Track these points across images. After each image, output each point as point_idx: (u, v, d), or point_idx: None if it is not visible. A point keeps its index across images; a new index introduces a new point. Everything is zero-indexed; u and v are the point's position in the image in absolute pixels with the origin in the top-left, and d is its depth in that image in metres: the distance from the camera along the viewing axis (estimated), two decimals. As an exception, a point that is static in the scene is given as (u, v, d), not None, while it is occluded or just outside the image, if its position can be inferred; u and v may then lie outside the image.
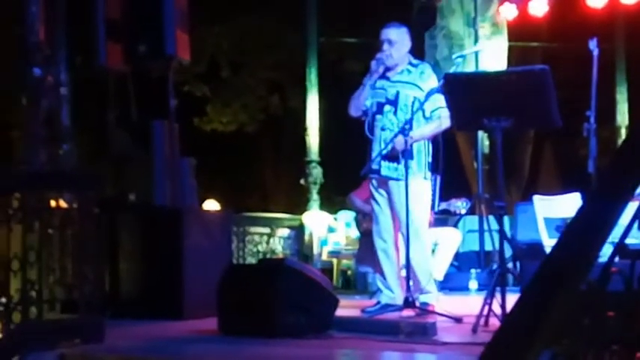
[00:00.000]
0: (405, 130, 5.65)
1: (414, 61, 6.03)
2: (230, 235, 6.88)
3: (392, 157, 5.81)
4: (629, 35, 11.64)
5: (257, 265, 6.18)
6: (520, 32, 11.54)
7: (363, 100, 6.00)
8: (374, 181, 6.01)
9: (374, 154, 5.92)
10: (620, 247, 2.88)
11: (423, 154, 5.89)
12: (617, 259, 2.97)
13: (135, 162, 6.51)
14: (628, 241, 3.25)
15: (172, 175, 6.31)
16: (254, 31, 15.90)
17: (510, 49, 12.35)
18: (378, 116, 5.95)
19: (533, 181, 15.89)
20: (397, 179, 5.81)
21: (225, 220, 6.73)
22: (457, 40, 10.39)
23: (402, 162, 5.71)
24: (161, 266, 5.98)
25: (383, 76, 5.98)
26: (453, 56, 5.68)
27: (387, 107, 5.92)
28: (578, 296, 2.61)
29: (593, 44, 6.23)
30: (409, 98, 5.86)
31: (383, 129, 5.90)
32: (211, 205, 15.74)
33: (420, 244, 5.81)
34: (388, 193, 5.92)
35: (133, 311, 5.88)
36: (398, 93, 5.90)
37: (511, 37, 11.84)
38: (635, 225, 3.06)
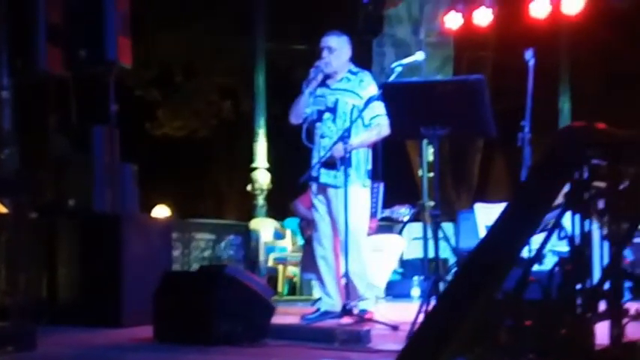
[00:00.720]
0: (343, 137, 5.67)
1: (354, 69, 6.06)
2: (170, 242, 6.83)
3: (331, 164, 5.83)
4: (572, 45, 11.82)
5: (195, 273, 6.16)
6: (469, 41, 11.65)
7: (302, 108, 6.01)
8: (314, 188, 6.04)
9: (314, 162, 5.94)
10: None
11: (362, 161, 5.93)
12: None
13: (75, 167, 6.46)
14: (553, 247, 3.30)
15: (113, 181, 6.26)
16: (207, 36, 15.85)
17: (461, 58, 12.50)
18: (318, 124, 5.98)
19: (484, 189, 16.03)
20: (335, 186, 5.84)
21: (166, 226, 6.70)
22: (404, 48, 10.48)
23: (341, 169, 5.74)
24: (100, 273, 5.94)
25: (323, 84, 5.99)
26: (393, 65, 5.70)
27: (326, 115, 5.95)
28: (493, 304, 2.65)
29: (529, 54, 6.31)
30: (348, 106, 5.89)
31: (322, 136, 5.93)
32: (161, 211, 15.66)
33: (357, 252, 5.83)
34: (327, 200, 5.94)
35: (71, 318, 5.85)
36: (337, 101, 5.92)
37: (461, 46, 11.97)
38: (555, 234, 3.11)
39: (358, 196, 5.87)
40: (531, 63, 6.29)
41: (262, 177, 11.06)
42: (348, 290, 5.67)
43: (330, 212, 5.93)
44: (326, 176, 5.88)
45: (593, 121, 3.29)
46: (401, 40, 10.83)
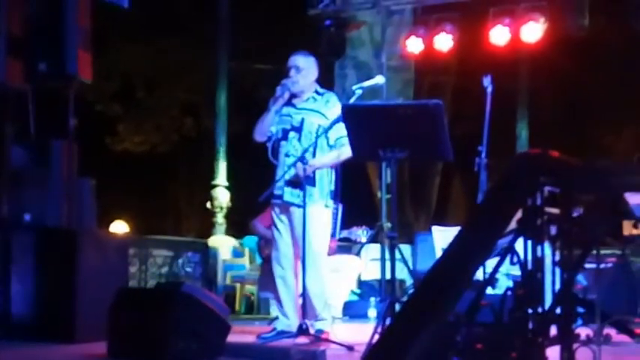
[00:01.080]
0: (303, 157, 5.70)
1: (320, 90, 6.09)
2: (127, 258, 6.79)
3: (295, 183, 5.83)
4: (531, 72, 12.00)
5: (150, 290, 6.13)
6: (430, 66, 11.77)
7: (268, 126, 6.01)
8: (276, 207, 6.01)
9: (277, 180, 5.94)
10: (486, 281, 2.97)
11: (325, 181, 5.93)
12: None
13: (31, 181, 6.39)
14: (508, 271, 3.36)
15: (70, 196, 6.22)
16: (169, 52, 15.85)
17: (421, 83, 12.61)
18: (283, 142, 5.97)
19: (444, 212, 16.16)
20: (298, 205, 5.83)
21: (123, 242, 6.66)
22: (366, 70, 10.56)
23: (305, 189, 5.75)
24: (54, 288, 5.88)
25: (289, 103, 6.00)
26: (353, 87, 5.74)
27: (291, 134, 5.95)
28: (446, 326, 2.68)
29: (487, 81, 6.40)
30: (314, 126, 5.89)
31: (287, 155, 5.91)
32: (119, 226, 15.55)
33: (317, 272, 5.84)
34: (289, 219, 5.93)
35: (25, 334, 5.77)
36: (303, 120, 5.93)
37: (421, 71, 12.09)
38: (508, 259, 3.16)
39: (320, 216, 5.88)
40: (489, 89, 6.38)
41: (222, 195, 11.04)
42: (305, 310, 5.67)
43: (291, 231, 5.93)
44: (289, 195, 5.87)
45: (549, 148, 3.35)
46: (363, 62, 10.91)
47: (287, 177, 5.82)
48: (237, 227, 12.10)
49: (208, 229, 11.64)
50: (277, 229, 6.01)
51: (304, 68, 6.00)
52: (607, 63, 13.18)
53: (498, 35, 9.47)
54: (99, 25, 6.70)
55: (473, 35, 9.82)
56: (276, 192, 5.94)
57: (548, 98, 13.93)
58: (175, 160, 19.00)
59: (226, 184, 11.14)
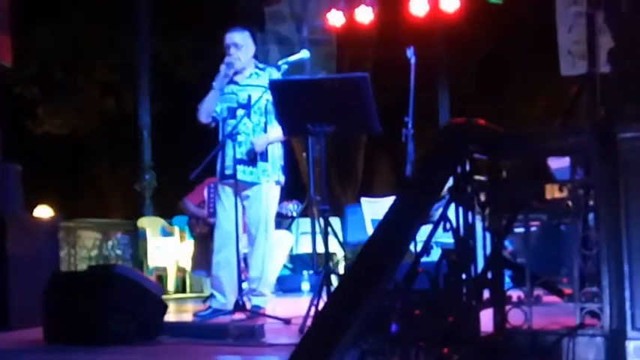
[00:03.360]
0: (234, 134, 5.69)
1: (261, 65, 6.05)
2: (57, 242, 6.72)
3: (246, 160, 5.81)
4: (449, 42, 12.17)
5: (84, 272, 6.09)
6: (351, 39, 11.83)
7: (213, 106, 5.95)
8: (225, 187, 5.91)
9: (227, 159, 5.86)
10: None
11: (276, 156, 5.94)
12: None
13: (-45, 168, 6.26)
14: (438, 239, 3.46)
15: (-5, 181, 6.12)
16: (87, 31, 15.56)
17: (343, 56, 12.68)
18: (231, 121, 5.89)
19: (370, 184, 16.30)
20: (252, 183, 5.83)
21: (52, 226, 6.58)
22: (288, 45, 10.58)
23: (258, 165, 5.77)
24: (-16, 276, 5.78)
25: (231, 81, 5.96)
26: (279, 62, 5.76)
27: (239, 111, 5.89)
28: (385, 295, 2.76)
29: (410, 52, 6.50)
30: (262, 101, 5.85)
31: (238, 133, 5.84)
32: (43, 211, 15.28)
33: (263, 248, 5.87)
34: (241, 197, 5.85)
35: (-45, 323, 5.68)
36: (250, 96, 5.88)
37: (343, 44, 12.16)
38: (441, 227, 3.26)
39: (272, 192, 5.91)
40: (413, 60, 6.47)
41: (148, 175, 10.97)
42: (241, 286, 5.70)
43: (243, 208, 5.85)
44: (242, 173, 5.78)
45: (467, 116, 3.45)
46: (284, 37, 10.93)
47: (239, 155, 5.76)
48: (165, 207, 12.05)
49: (133, 211, 11.56)
50: (224, 207, 5.92)
51: (243, 45, 5.98)
52: (520, 32, 13.45)
53: (418, 6, 9.61)
54: (13, 6, 6.54)
55: (393, 7, 9.93)
56: (227, 172, 5.86)
57: (465, 67, 14.15)
58: (97, 142, 18.72)
59: (152, 164, 11.06)
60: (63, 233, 9.15)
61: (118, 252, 10.23)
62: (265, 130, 5.86)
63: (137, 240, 10.31)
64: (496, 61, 14.66)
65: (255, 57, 6.15)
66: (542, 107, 15.01)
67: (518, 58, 14.21)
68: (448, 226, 3.21)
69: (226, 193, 5.92)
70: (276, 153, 5.94)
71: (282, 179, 6.02)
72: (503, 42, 13.86)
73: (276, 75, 5.87)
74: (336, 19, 10.11)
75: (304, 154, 12.46)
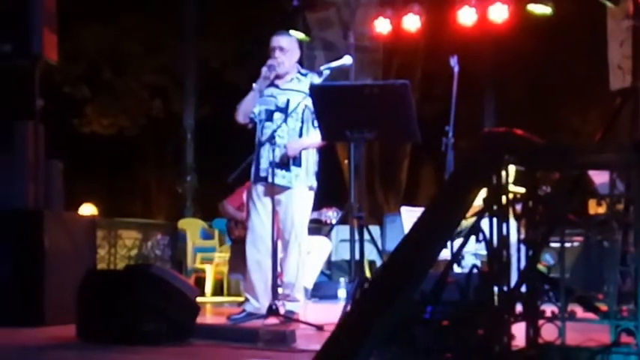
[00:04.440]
0: (273, 137, 5.66)
1: (303, 71, 6.05)
2: (95, 240, 6.76)
3: (280, 164, 5.78)
4: (497, 53, 12.06)
5: (119, 272, 6.12)
6: (399, 47, 11.80)
7: (251, 107, 5.94)
8: (259, 189, 5.91)
9: (262, 161, 5.86)
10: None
11: (310, 162, 5.90)
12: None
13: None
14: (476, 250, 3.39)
15: (36, 178, 6.17)
16: (136, 33, 15.72)
17: (390, 64, 12.64)
18: (268, 123, 5.89)
19: (414, 193, 16.23)
20: (285, 187, 5.82)
21: (91, 224, 6.62)
22: (334, 51, 10.56)
23: (291, 170, 5.75)
24: (21, 271, 5.83)
25: (272, 84, 5.95)
26: (321, 67, 5.73)
27: (276, 115, 5.88)
28: (411, 304, 2.71)
29: (454, 61, 6.43)
30: (300, 106, 5.84)
31: (275, 137, 5.81)
32: (88, 209, 15.46)
33: (296, 253, 5.85)
34: (273, 201, 5.79)
35: (-8, 317, 5.73)
36: (288, 101, 5.87)
37: (390, 52, 12.12)
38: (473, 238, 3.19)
39: (305, 197, 5.89)
40: (456, 69, 6.41)
41: (191, 177, 11.02)
42: (275, 291, 5.68)
43: (273, 213, 5.78)
44: (275, 176, 5.76)
45: (514, 128, 3.38)
46: (331, 43, 10.92)
47: (271, 158, 5.71)
48: (205, 209, 12.10)
49: (177, 212, 11.62)
50: (257, 210, 5.92)
51: (289, 49, 5.98)
52: (572, 45, 13.29)
53: (465, 16, 9.52)
54: (63, 6, 6.62)
55: (440, 16, 9.86)
56: (261, 174, 5.86)
57: (514, 79, 14.02)
58: (143, 143, 18.90)
59: (195, 165, 11.11)
60: (104, 232, 9.23)
61: (158, 252, 10.28)
62: (300, 136, 5.82)
63: (177, 241, 10.35)
64: (546, 74, 14.49)
65: (300, 63, 6.14)
66: (594, 122, 14.80)
67: (570, 72, 14.03)
68: (481, 237, 3.14)
69: (259, 196, 5.91)
70: (311, 159, 5.91)
71: (315, 185, 5.98)
72: (553, 55, 13.69)
73: (317, 80, 5.85)
74: (383, 26, 10.07)
75: (346, 162, 12.45)
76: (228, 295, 9.41)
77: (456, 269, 3.19)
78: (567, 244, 3.79)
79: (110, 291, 4.93)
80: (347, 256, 9.57)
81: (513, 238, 3.53)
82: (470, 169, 3.01)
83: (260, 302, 5.90)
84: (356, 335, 2.35)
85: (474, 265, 3.13)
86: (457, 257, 2.95)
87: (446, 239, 2.78)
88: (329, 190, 6.60)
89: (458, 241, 3.08)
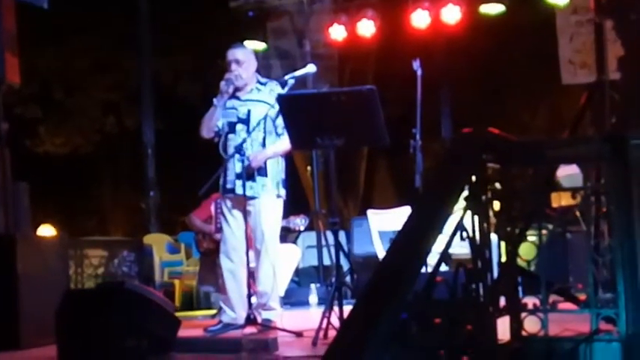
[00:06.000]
0: (242, 148, 5.71)
1: (262, 80, 6.09)
2: (67, 260, 6.72)
3: (248, 175, 5.79)
4: (450, 53, 12.21)
5: (95, 290, 6.09)
6: (352, 52, 11.88)
7: (215, 121, 5.97)
8: (227, 201, 5.95)
9: (229, 173, 5.89)
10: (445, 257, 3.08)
11: (276, 171, 5.94)
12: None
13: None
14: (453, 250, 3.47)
15: (5, 201, 6.13)
16: (86, 50, 15.61)
17: (343, 69, 12.73)
18: (231, 135, 5.93)
19: (370, 196, 16.32)
20: (252, 197, 5.85)
21: (61, 245, 6.58)
22: (290, 60, 10.62)
23: (257, 180, 5.79)
24: (-5, 295, 5.78)
25: (233, 96, 5.98)
26: (286, 77, 5.79)
27: (239, 126, 5.92)
28: (406, 305, 2.78)
29: (416, 65, 6.52)
30: (261, 116, 5.88)
31: (242, 148, 5.86)
32: (47, 230, 15.28)
33: (269, 262, 5.88)
34: (242, 211, 5.88)
35: (-33, 343, 5.67)
36: (249, 111, 5.92)
37: (344, 58, 12.20)
38: (458, 235, 3.28)
39: (273, 206, 5.92)
40: (419, 72, 6.50)
41: (153, 192, 10.98)
42: (250, 300, 5.71)
43: (245, 224, 5.86)
44: (242, 188, 5.78)
45: (468, 127, 3.47)
46: (286, 52, 10.97)
47: (239, 170, 5.78)
48: (170, 224, 12.07)
49: (137, 228, 11.54)
50: (227, 222, 5.97)
51: (245, 61, 6.02)
52: (520, 43, 13.50)
53: (419, 18, 9.64)
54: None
55: (394, 19, 9.96)
56: (228, 186, 5.91)
57: (468, 78, 14.20)
58: (98, 160, 18.72)
59: (156, 180, 11.07)
60: (70, 252, 9.15)
61: (125, 269, 10.22)
62: (264, 146, 5.88)
63: (143, 257, 10.30)
64: (497, 72, 14.72)
65: (258, 72, 6.18)
66: (544, 116, 15.08)
67: (519, 69, 14.27)
68: (465, 235, 3.22)
69: (228, 208, 5.97)
70: (276, 167, 5.95)
71: (283, 193, 6.03)
72: (504, 53, 13.92)
73: (278, 89, 5.91)
74: (337, 33, 10.13)
75: (308, 168, 12.50)
76: (199, 307, 9.39)
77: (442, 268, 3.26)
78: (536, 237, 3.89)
79: (89, 310, 4.91)
80: (314, 262, 9.65)
81: (492, 234, 3.62)
82: (451, 168, 3.09)
83: (236, 312, 5.93)
84: (358, 341, 2.41)
85: (459, 263, 3.22)
86: (445, 256, 3.02)
87: (434, 238, 2.85)
88: (291, 198, 6.63)
89: (443, 240, 3.16)
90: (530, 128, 15.20)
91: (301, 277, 9.38)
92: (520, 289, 3.80)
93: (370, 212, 8.58)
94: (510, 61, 14.24)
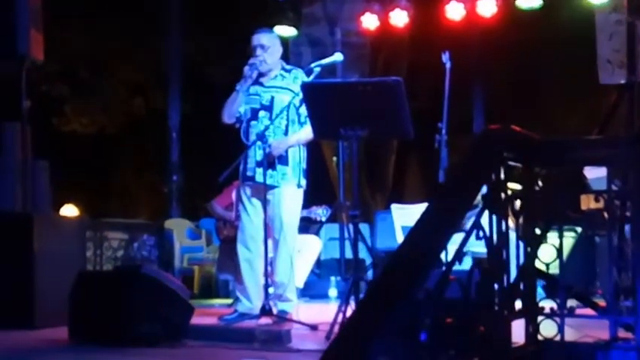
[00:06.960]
0: (264, 136, 5.64)
1: (287, 67, 6.01)
2: (84, 242, 6.70)
3: (268, 163, 5.71)
4: (484, 47, 12.04)
5: (111, 273, 6.07)
6: (385, 42, 11.77)
7: (236, 107, 5.90)
8: (247, 189, 5.89)
9: (249, 161, 5.83)
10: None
11: (297, 160, 5.87)
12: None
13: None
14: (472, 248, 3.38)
15: (24, 179, 6.11)
16: (115, 30, 15.56)
17: (376, 59, 12.61)
18: (253, 122, 5.85)
19: (401, 190, 16.20)
20: (272, 186, 5.78)
21: (80, 225, 6.57)
22: (321, 47, 10.54)
23: (278, 168, 5.72)
24: (11, 274, 5.77)
25: (256, 82, 5.89)
26: (312, 65, 5.69)
27: (261, 113, 5.84)
28: (416, 303, 2.69)
29: (445, 57, 6.38)
30: (284, 103, 5.79)
31: (264, 135, 5.79)
32: (69, 210, 15.35)
33: (287, 252, 5.81)
34: (261, 200, 5.78)
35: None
36: (273, 98, 5.84)
37: (377, 47, 12.09)
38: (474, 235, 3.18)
39: (293, 195, 5.84)
40: (448, 65, 6.37)
41: (177, 176, 10.94)
42: (267, 291, 5.64)
43: (264, 213, 5.76)
44: (262, 176, 5.70)
45: (505, 123, 3.37)
46: (317, 39, 10.89)
47: (260, 158, 5.72)
48: (190, 209, 12.01)
49: (159, 212, 11.50)
50: (246, 210, 5.89)
51: (270, 46, 5.93)
52: (557, 39, 13.30)
53: (454, 10, 9.51)
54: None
55: (428, 10, 9.85)
56: (248, 173, 5.84)
57: (502, 74, 14.01)
58: (124, 142, 18.72)
59: (181, 164, 11.03)
60: (89, 233, 9.14)
61: (144, 253, 10.19)
62: (286, 134, 5.79)
63: (163, 242, 10.26)
64: (533, 69, 14.51)
65: (286, 59, 6.09)
66: (581, 116, 14.81)
67: (556, 66, 14.05)
68: (481, 234, 3.12)
69: (248, 196, 5.90)
70: (297, 156, 5.87)
71: (304, 183, 5.94)
72: (540, 49, 13.71)
73: (302, 77, 5.82)
74: (370, 22, 10.04)
75: (334, 159, 12.40)
76: (217, 295, 9.35)
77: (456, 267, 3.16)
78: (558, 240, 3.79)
79: (103, 292, 4.90)
80: (336, 255, 9.55)
81: (511, 234, 3.52)
82: (470, 166, 2.99)
83: (252, 302, 5.87)
84: (362, 337, 2.33)
85: (475, 262, 3.12)
86: (460, 255, 2.93)
87: (449, 237, 2.76)
88: (317, 188, 6.54)
89: (459, 238, 3.07)
90: (565, 128, 14.97)
91: (322, 269, 9.30)
92: (540, 291, 3.70)
93: (394, 206, 8.48)
94: (546, 59, 14.01)
